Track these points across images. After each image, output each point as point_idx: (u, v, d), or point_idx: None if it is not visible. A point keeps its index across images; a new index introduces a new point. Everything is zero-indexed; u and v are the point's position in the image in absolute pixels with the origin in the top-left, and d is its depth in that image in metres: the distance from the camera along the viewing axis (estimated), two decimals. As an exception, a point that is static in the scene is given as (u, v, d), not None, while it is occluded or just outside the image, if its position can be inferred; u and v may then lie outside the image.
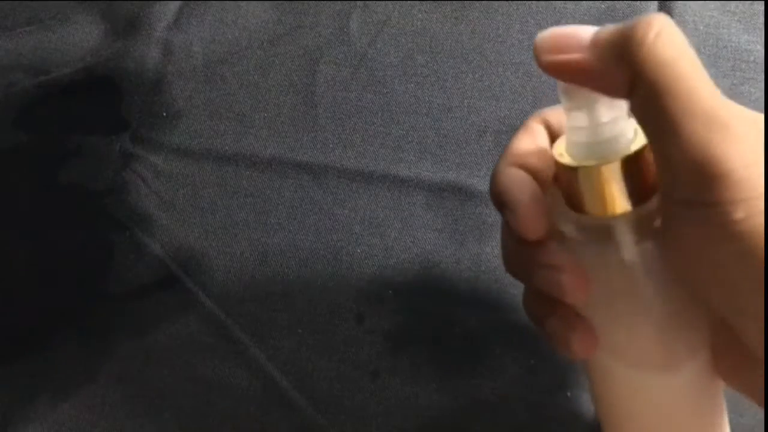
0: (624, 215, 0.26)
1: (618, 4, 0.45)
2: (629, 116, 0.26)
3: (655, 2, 0.45)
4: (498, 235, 0.41)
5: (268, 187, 0.43)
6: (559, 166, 0.27)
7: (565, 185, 0.27)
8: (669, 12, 0.45)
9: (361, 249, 0.41)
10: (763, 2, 0.45)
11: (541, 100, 0.43)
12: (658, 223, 0.26)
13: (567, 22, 0.45)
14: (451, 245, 0.41)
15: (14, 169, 0.45)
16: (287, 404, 0.38)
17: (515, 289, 0.39)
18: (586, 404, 0.37)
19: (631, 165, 0.25)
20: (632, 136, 0.26)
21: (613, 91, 0.25)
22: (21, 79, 0.47)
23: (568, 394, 0.37)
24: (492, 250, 0.40)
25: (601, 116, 0.26)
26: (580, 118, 0.26)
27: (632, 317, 0.27)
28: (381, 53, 0.45)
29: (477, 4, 0.46)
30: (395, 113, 0.44)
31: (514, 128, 0.43)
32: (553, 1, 0.46)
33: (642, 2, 0.45)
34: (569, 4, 0.45)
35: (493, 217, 0.41)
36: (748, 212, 0.22)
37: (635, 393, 0.29)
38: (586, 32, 0.25)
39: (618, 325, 0.28)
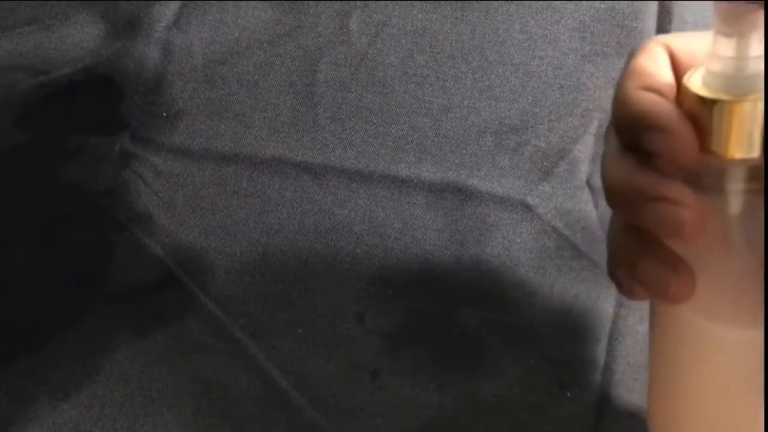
0: (746, 161, 0.24)
1: (618, 4, 0.45)
2: None
3: (656, 2, 0.45)
4: (498, 235, 0.41)
5: (268, 187, 0.43)
6: (692, 96, 0.25)
7: (694, 119, 0.25)
8: (669, 12, 0.45)
9: (361, 249, 0.41)
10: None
11: (541, 100, 0.43)
12: None
13: (567, 22, 0.45)
14: (451, 245, 0.41)
15: (14, 169, 0.45)
16: (287, 404, 0.38)
17: (515, 289, 0.39)
18: (586, 404, 0.37)
19: None
20: None
21: None
22: (21, 79, 0.47)
23: (568, 394, 0.37)
24: (492, 250, 0.40)
25: (752, 48, 0.24)
26: (728, 47, 0.24)
27: (724, 267, 0.26)
28: (381, 53, 0.45)
29: (477, 4, 0.46)
30: (395, 113, 0.44)
31: (514, 128, 0.43)
32: (553, 1, 0.46)
33: (642, 2, 0.45)
34: (569, 4, 0.45)
35: (493, 216, 0.41)
36: None
37: (706, 346, 0.28)
38: None
39: (707, 273, 0.26)
